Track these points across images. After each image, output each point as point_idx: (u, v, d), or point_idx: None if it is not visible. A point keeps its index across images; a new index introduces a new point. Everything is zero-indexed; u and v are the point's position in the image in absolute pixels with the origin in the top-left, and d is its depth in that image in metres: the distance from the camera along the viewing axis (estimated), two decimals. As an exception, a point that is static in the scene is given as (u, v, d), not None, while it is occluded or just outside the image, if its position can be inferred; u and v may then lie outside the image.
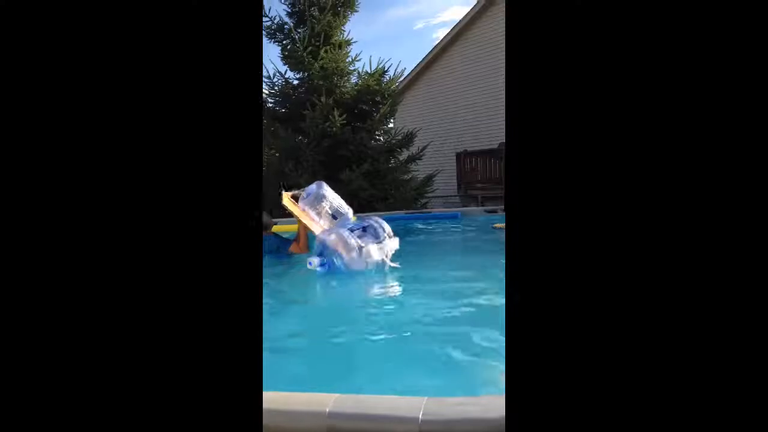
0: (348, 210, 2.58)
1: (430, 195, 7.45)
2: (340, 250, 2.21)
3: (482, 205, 7.41)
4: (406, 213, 5.25)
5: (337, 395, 0.73)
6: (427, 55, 10.92)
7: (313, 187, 2.59)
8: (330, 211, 2.54)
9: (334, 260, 2.23)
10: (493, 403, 0.66)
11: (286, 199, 2.59)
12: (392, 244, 2.36)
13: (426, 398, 0.69)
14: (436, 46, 10.76)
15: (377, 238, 2.31)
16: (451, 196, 9.27)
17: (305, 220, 2.53)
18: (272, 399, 0.73)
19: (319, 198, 2.52)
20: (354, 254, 2.21)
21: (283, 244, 2.75)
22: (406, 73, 9.70)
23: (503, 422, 0.63)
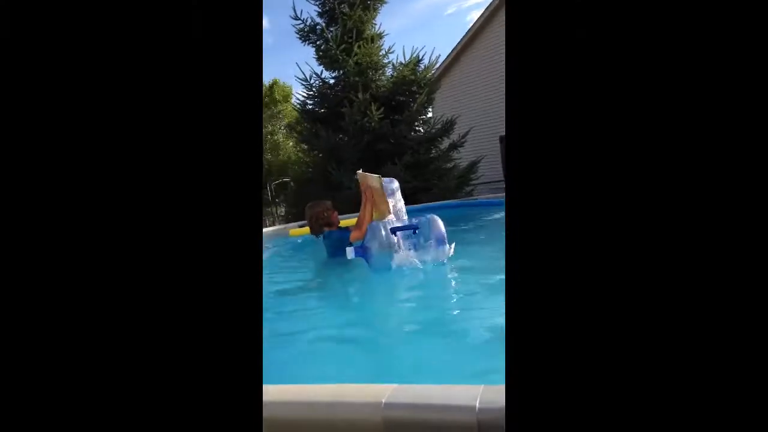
0: (404, 216, 2.46)
1: (474, 182, 7.31)
2: (373, 244, 2.12)
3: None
4: (449, 202, 5.17)
5: (394, 386, 0.73)
6: (461, 40, 10.68)
7: (386, 180, 2.48)
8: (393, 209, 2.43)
9: (369, 252, 2.14)
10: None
11: (365, 176, 2.51)
12: (438, 253, 2.10)
13: (483, 386, 0.67)
14: (469, 30, 10.50)
15: (423, 240, 2.15)
16: (497, 181, 9.04)
17: (379, 201, 2.44)
18: (326, 391, 0.74)
19: (392, 192, 2.43)
20: (380, 251, 2.11)
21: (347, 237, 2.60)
22: (441, 60, 9.54)
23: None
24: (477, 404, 0.64)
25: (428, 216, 2.21)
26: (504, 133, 8.44)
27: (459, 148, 7.17)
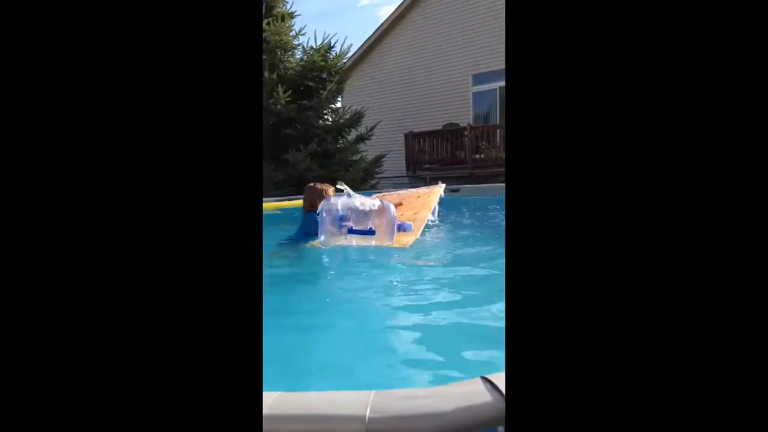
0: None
1: (379, 176, 7.40)
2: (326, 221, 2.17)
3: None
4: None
5: (276, 394, 0.65)
6: (372, 34, 10.71)
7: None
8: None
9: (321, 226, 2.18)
10: (443, 394, 0.61)
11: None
12: (386, 238, 2.17)
13: (374, 392, 0.62)
14: (381, 25, 10.57)
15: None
16: (400, 176, 9.27)
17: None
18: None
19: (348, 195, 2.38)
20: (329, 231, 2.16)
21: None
22: (352, 51, 9.47)
23: (455, 413, 0.58)
24: (367, 413, 0.59)
25: (383, 203, 2.24)
26: (410, 131, 8.71)
27: (366, 141, 7.19)
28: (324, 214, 2.18)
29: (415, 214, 2.74)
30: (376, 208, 2.19)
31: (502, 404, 0.59)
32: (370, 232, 2.18)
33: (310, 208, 2.53)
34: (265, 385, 0.54)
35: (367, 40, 10.76)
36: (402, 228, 2.31)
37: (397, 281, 1.96)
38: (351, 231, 2.18)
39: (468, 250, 2.53)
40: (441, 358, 1.18)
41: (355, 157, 7.02)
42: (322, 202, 2.24)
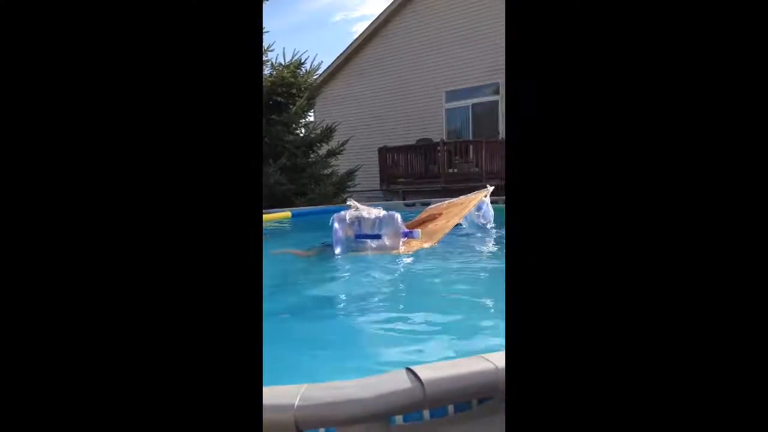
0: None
1: (351, 190, 7.45)
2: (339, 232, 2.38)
3: (404, 200, 7.57)
4: (321, 208, 5.19)
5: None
6: (345, 50, 10.87)
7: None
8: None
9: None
10: (368, 384, 0.66)
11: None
12: (393, 245, 2.36)
13: (306, 385, 0.67)
14: (355, 41, 10.75)
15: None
16: (374, 190, 9.35)
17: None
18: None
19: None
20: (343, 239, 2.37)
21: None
22: (324, 67, 9.58)
23: (376, 399, 0.63)
24: (296, 402, 0.63)
25: (389, 213, 2.48)
26: (383, 145, 8.80)
27: (338, 156, 7.25)
28: (336, 227, 2.40)
29: (447, 222, 2.91)
30: (381, 216, 2.42)
31: (421, 391, 0.64)
32: (377, 237, 2.41)
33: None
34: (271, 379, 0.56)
35: (340, 55, 10.91)
36: (411, 236, 2.50)
37: (388, 286, 2.03)
38: (359, 236, 2.41)
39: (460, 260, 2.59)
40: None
41: (326, 171, 7.07)
42: (333, 216, 2.46)
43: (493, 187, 3.44)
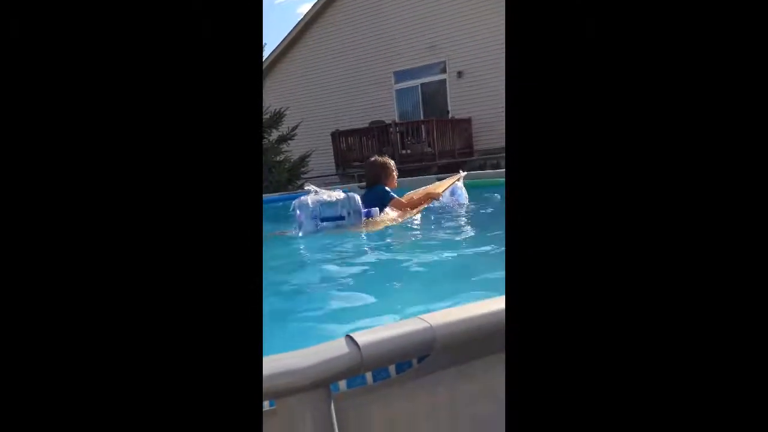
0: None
1: (306, 176, 7.34)
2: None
3: (360, 182, 7.55)
4: (279, 195, 5.09)
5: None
6: (290, 32, 10.57)
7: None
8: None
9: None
10: (309, 353, 0.66)
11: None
12: (355, 224, 2.41)
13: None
14: (299, 23, 10.47)
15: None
16: (330, 175, 9.26)
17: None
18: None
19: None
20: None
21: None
22: (269, 50, 9.28)
23: (317, 366, 0.64)
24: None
25: (349, 194, 2.52)
26: (336, 129, 8.70)
27: (289, 141, 7.10)
28: (298, 211, 2.45)
29: (418, 202, 3.02)
30: (342, 198, 2.48)
31: (359, 355, 0.66)
32: (341, 218, 2.46)
33: (373, 183, 2.86)
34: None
35: (285, 38, 10.61)
36: (369, 215, 2.59)
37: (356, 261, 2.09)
38: (324, 219, 2.43)
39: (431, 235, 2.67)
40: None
41: (279, 158, 6.92)
42: (295, 201, 2.49)
43: (465, 173, 3.50)
